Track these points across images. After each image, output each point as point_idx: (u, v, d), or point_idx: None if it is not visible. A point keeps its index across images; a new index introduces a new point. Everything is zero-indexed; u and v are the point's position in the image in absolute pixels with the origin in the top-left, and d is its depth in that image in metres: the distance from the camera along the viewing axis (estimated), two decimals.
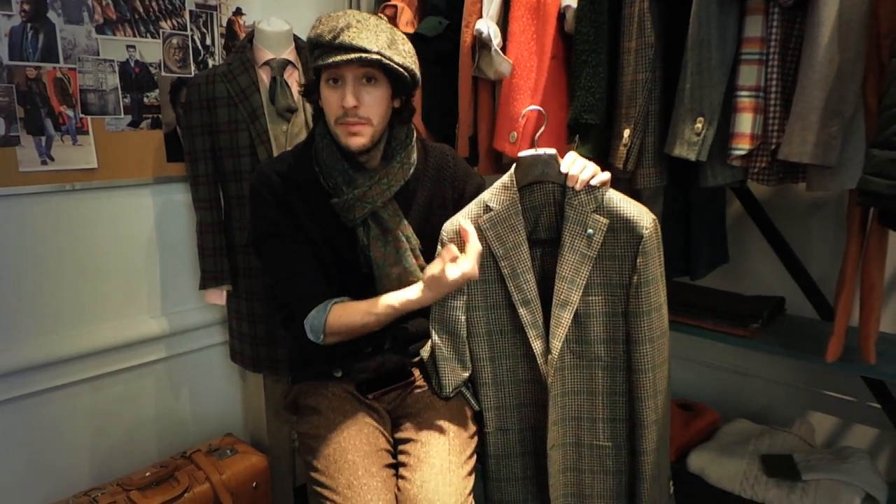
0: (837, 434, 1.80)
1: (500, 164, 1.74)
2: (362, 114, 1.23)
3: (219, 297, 1.95)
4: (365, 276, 1.34)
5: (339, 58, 1.17)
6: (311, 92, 1.31)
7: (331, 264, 1.34)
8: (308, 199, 1.32)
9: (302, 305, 1.29)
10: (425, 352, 1.38)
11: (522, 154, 1.28)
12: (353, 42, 1.16)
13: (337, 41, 1.17)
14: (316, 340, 1.29)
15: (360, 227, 1.31)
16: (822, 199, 1.71)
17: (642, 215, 1.24)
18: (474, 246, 1.23)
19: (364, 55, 1.17)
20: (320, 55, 1.20)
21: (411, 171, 1.34)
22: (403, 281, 1.32)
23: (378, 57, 1.17)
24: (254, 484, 1.90)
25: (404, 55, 1.23)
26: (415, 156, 1.35)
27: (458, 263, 1.21)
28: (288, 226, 1.31)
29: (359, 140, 1.25)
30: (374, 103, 1.24)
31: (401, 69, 1.21)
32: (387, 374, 1.38)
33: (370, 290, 1.33)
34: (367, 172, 1.30)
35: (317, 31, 1.20)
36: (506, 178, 1.28)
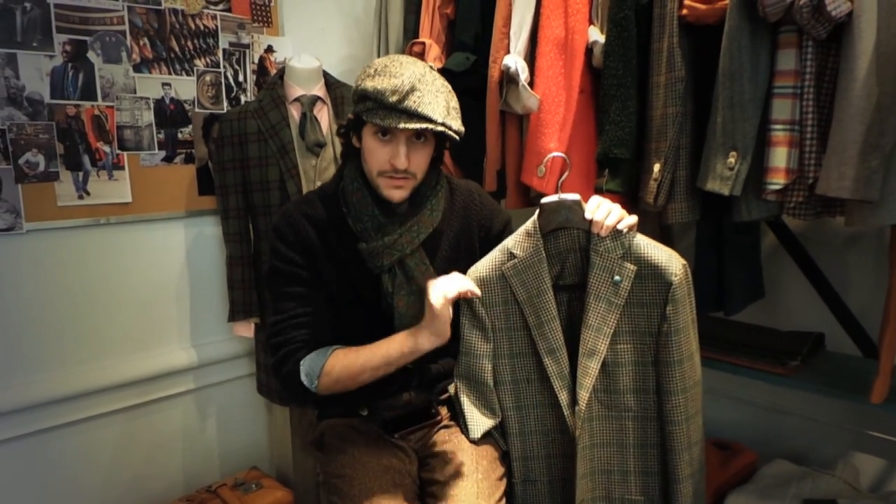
0: (884, 477, 1.71)
1: (528, 198, 1.73)
2: (410, 170, 1.22)
3: (247, 329, 1.96)
4: (386, 316, 1.31)
5: (403, 125, 1.12)
6: (348, 132, 1.27)
7: (350, 304, 1.31)
8: (332, 240, 1.29)
9: (299, 348, 1.25)
10: (453, 388, 1.36)
11: (545, 200, 1.25)
12: (419, 110, 1.12)
13: (401, 105, 1.11)
14: (309, 385, 1.23)
15: (385, 274, 1.28)
16: (860, 230, 1.66)
17: (672, 261, 1.19)
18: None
19: (429, 126, 1.13)
20: (378, 112, 1.14)
21: (440, 216, 1.32)
22: None
23: (442, 129, 1.14)
24: None
25: (458, 118, 1.19)
26: (443, 201, 1.33)
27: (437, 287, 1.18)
28: (304, 268, 1.27)
29: (402, 193, 1.24)
30: (421, 160, 1.23)
31: (455, 135, 1.18)
32: (413, 412, 1.36)
33: (389, 330, 1.29)
34: (397, 218, 1.27)
35: (375, 86, 1.13)
36: (529, 224, 1.25)
